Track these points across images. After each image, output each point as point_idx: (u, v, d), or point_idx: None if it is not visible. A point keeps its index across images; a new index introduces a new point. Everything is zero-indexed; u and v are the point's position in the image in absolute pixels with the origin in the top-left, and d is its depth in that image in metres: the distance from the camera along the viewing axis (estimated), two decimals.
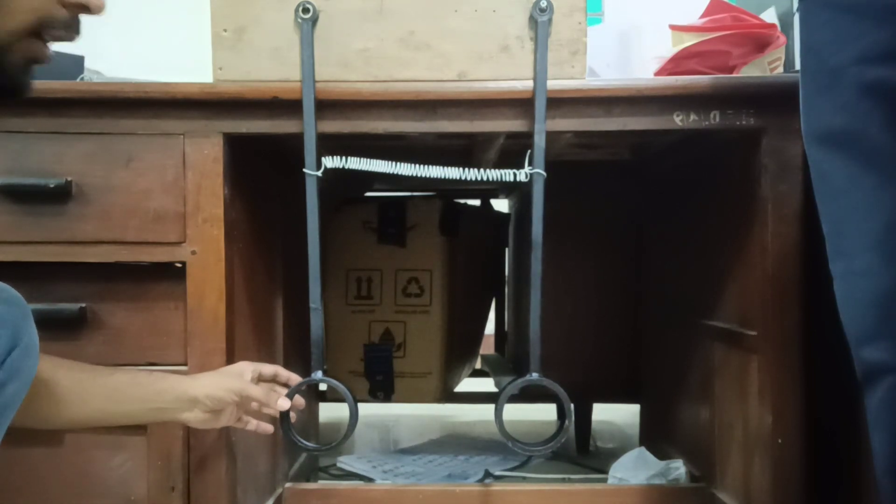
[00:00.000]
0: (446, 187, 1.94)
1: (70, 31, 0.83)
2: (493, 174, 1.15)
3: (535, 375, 1.14)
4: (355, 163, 1.15)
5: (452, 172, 1.15)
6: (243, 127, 1.16)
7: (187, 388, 1.06)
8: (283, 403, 1.13)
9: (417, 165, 1.15)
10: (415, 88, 1.16)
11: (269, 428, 1.16)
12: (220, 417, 1.09)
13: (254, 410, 1.14)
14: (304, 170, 1.13)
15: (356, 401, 1.17)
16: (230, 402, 1.08)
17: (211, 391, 1.06)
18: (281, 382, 1.15)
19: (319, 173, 1.14)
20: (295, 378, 1.18)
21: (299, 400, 1.18)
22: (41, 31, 0.80)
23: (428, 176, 1.14)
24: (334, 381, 1.17)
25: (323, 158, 1.14)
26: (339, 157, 1.15)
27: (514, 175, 1.14)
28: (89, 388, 1.01)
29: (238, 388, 1.08)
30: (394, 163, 1.15)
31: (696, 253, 1.50)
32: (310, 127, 1.13)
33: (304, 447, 1.21)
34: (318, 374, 1.16)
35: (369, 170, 1.15)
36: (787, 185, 1.15)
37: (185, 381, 1.07)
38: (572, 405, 2.05)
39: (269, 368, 1.15)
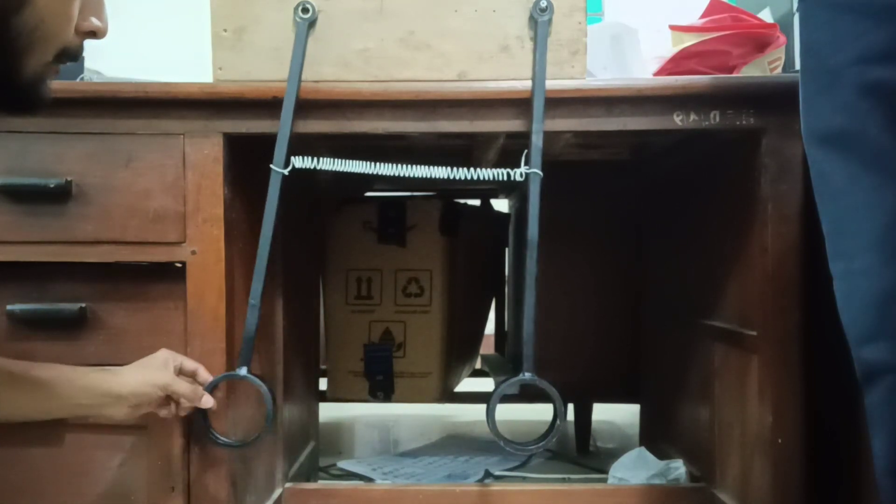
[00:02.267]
0: (446, 187, 1.94)
1: (77, 56, 0.90)
2: (486, 173, 1.13)
3: (528, 375, 1.13)
4: (327, 163, 1.12)
5: (439, 172, 1.13)
6: (243, 127, 1.16)
7: (112, 387, 1.06)
8: (207, 401, 1.11)
9: (399, 165, 1.13)
10: (415, 88, 1.16)
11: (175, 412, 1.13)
12: (141, 409, 1.09)
13: (173, 401, 1.12)
14: (272, 166, 1.12)
15: (274, 400, 1.13)
16: (156, 397, 1.08)
17: (136, 388, 1.06)
18: (200, 382, 1.13)
19: (286, 172, 1.13)
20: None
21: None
22: (58, 58, 0.87)
23: (413, 176, 1.12)
24: (256, 379, 1.13)
25: (292, 158, 1.13)
26: (309, 158, 1.13)
27: (509, 175, 1.13)
28: (13, 385, 1.01)
29: (164, 384, 1.08)
30: (371, 163, 1.13)
31: (696, 253, 1.50)
32: (286, 125, 1.12)
33: (220, 443, 1.15)
34: (243, 371, 1.12)
35: (344, 170, 1.13)
36: (787, 185, 1.15)
37: (109, 377, 1.07)
38: (569, 405, 2.08)
39: (190, 364, 1.13)
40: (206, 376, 1.13)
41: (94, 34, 0.89)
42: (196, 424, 1.14)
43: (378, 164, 1.13)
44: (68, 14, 0.84)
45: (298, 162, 1.13)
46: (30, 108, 0.89)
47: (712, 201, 1.40)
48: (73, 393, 1.05)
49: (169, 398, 1.10)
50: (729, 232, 1.30)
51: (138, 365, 1.10)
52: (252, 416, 1.29)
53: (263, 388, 1.13)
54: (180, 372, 1.12)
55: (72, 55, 0.88)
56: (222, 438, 1.14)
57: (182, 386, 1.10)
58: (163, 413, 1.11)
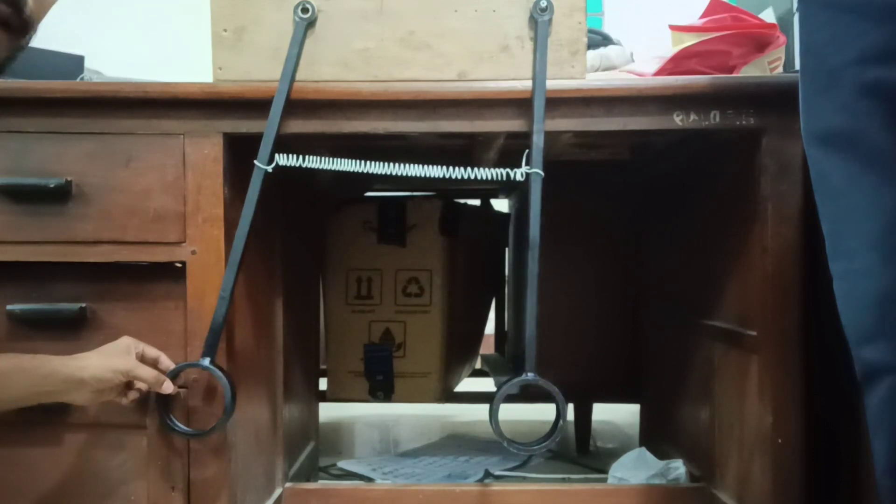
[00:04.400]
0: (446, 187, 1.94)
1: None
2: (486, 173, 1.13)
3: (530, 375, 1.13)
4: (314, 161, 1.12)
5: (434, 171, 1.13)
6: (243, 127, 1.16)
7: (73, 371, 1.06)
8: (168, 387, 1.11)
9: (391, 164, 1.13)
10: (415, 88, 1.16)
11: (137, 396, 1.13)
12: (104, 395, 1.09)
13: (134, 389, 1.12)
14: (255, 162, 1.12)
15: (234, 392, 1.12)
16: (117, 382, 1.08)
17: (97, 373, 1.06)
18: (162, 370, 1.13)
19: (269, 168, 1.13)
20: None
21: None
22: None
23: (408, 175, 1.12)
24: (216, 370, 1.12)
25: (276, 155, 1.13)
26: (294, 156, 1.13)
27: (509, 175, 1.12)
28: None
29: (125, 369, 1.08)
30: (361, 161, 1.13)
31: (695, 253, 1.50)
32: (273, 123, 1.12)
33: (177, 430, 1.14)
34: (206, 361, 1.12)
35: (332, 169, 1.13)
36: (787, 185, 1.15)
37: (70, 363, 1.07)
38: (570, 405, 2.08)
39: (152, 352, 1.13)
40: (167, 364, 1.13)
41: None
42: (160, 411, 1.13)
43: (369, 162, 1.13)
44: None
45: (283, 160, 1.13)
46: None
47: (712, 201, 1.40)
48: (36, 381, 1.05)
49: (130, 385, 1.11)
50: (729, 232, 1.30)
51: (100, 351, 1.10)
52: (252, 416, 1.29)
53: (223, 378, 1.12)
54: (142, 359, 1.12)
55: None
56: (179, 425, 1.14)
57: (144, 371, 1.10)
58: (124, 401, 1.11)
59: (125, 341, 1.11)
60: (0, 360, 1.03)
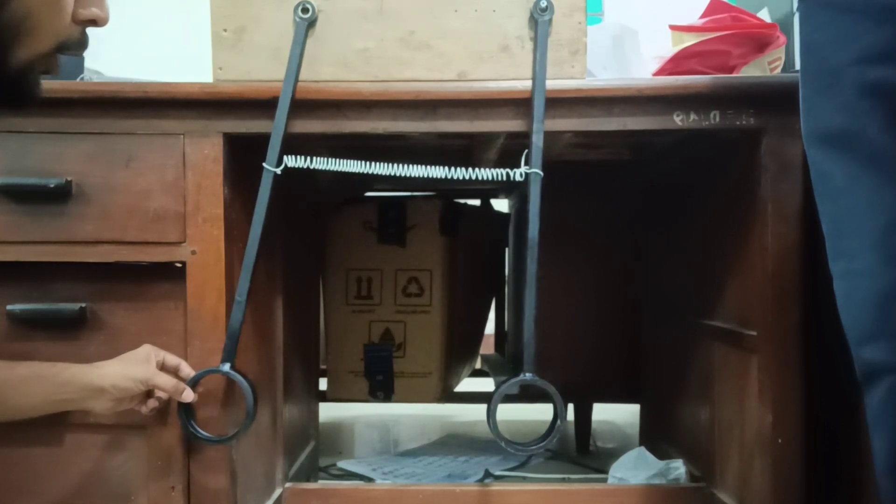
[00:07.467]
0: (446, 187, 1.94)
1: (81, 46, 0.88)
2: (486, 173, 1.13)
3: (528, 375, 1.12)
4: (321, 163, 1.12)
5: (437, 171, 1.13)
6: (243, 127, 1.16)
7: (93, 379, 1.06)
8: (188, 395, 1.11)
9: (395, 165, 1.13)
10: (415, 88, 1.16)
11: (157, 405, 1.13)
12: (123, 403, 1.09)
13: (154, 398, 1.12)
14: (264, 165, 1.12)
15: (255, 397, 1.12)
16: (137, 391, 1.08)
17: (117, 381, 1.07)
18: (182, 378, 1.13)
19: (278, 171, 1.13)
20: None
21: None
22: (58, 49, 0.86)
23: (410, 175, 1.12)
24: (237, 375, 1.12)
25: (285, 157, 1.13)
26: (302, 157, 1.13)
27: (509, 175, 1.13)
28: None
29: (145, 378, 1.08)
30: (366, 162, 1.13)
31: (695, 253, 1.50)
32: (280, 124, 1.12)
33: (200, 437, 1.14)
34: (226, 367, 1.11)
35: (338, 170, 1.13)
36: (787, 185, 1.15)
37: (89, 371, 1.07)
38: (569, 405, 2.08)
39: (173, 360, 1.13)
40: (188, 371, 1.13)
41: (95, 22, 0.87)
42: (181, 418, 1.13)
43: (373, 163, 1.13)
44: (59, 4, 0.82)
45: (291, 161, 1.13)
46: (18, 103, 0.88)
47: (712, 201, 1.40)
48: (55, 389, 1.05)
49: (150, 394, 1.11)
50: (729, 232, 1.30)
51: (120, 359, 1.10)
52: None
53: (244, 383, 1.12)
54: (163, 367, 1.12)
55: (74, 46, 0.86)
56: (202, 432, 1.14)
57: (163, 379, 1.10)
58: (144, 410, 1.11)
59: (145, 349, 1.11)
60: (19, 368, 1.04)
